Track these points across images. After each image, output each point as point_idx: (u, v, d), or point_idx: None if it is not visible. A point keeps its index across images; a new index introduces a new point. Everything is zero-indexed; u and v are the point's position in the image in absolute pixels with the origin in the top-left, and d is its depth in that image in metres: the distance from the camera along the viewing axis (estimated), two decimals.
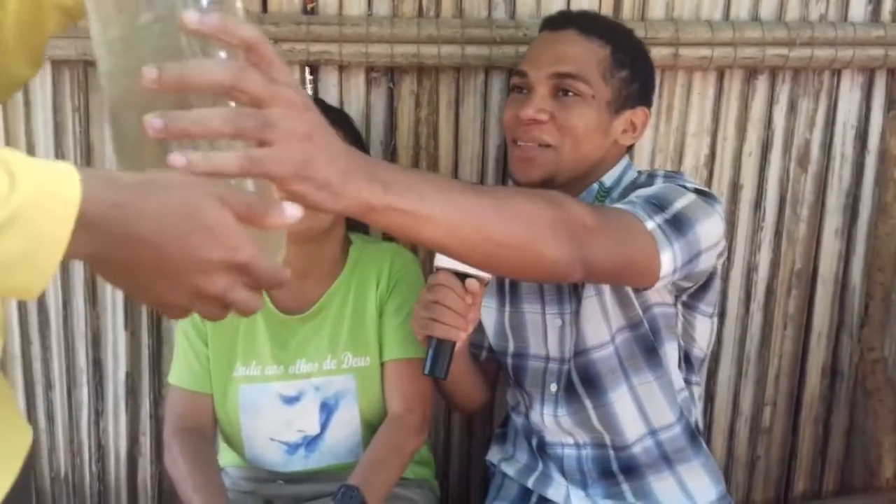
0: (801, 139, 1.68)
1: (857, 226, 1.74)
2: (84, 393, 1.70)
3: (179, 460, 1.34)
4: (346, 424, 1.38)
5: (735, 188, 1.68)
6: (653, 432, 1.28)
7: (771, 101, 1.65)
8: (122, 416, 1.71)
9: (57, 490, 1.76)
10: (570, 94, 1.20)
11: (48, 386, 1.70)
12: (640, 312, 1.23)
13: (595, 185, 1.25)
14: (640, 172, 1.28)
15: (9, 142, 1.57)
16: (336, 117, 1.38)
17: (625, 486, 1.30)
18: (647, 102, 1.28)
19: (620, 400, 1.26)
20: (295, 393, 1.38)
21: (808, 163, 1.69)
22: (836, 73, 1.66)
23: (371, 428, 1.37)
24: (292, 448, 1.39)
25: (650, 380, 1.26)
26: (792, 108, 1.66)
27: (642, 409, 1.27)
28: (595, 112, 1.20)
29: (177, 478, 1.33)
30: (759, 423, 1.80)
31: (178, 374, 1.43)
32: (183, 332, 1.43)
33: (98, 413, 1.72)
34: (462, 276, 1.09)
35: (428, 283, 1.13)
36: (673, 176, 1.19)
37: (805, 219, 1.72)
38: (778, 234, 1.71)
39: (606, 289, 1.21)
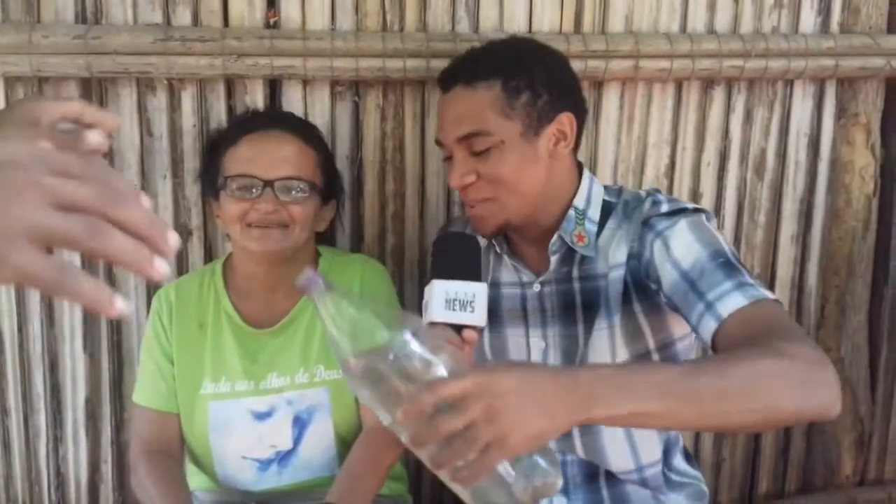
0: (756, 148, 1.72)
1: (812, 231, 1.79)
2: (42, 419, 1.65)
3: (147, 482, 1.31)
4: (320, 438, 1.36)
5: (695, 197, 1.71)
6: (640, 468, 1.29)
7: (728, 111, 1.70)
8: (83, 442, 1.66)
9: None
10: (481, 151, 1.19)
11: (3, 412, 1.64)
12: (653, 349, 1.23)
13: (571, 212, 1.25)
14: (609, 188, 1.29)
15: None
16: (305, 131, 1.38)
17: (605, 493, 1.31)
18: (567, 106, 1.22)
19: (610, 431, 1.27)
20: (266, 408, 1.36)
21: (763, 171, 1.74)
22: (789, 84, 1.71)
23: (345, 442, 1.36)
24: (264, 464, 1.37)
25: None
26: (748, 117, 1.70)
27: (633, 443, 1.28)
28: (513, 151, 1.19)
29: (145, 501, 1.30)
30: None
31: (143, 393, 1.40)
32: (147, 351, 1.40)
33: (57, 440, 1.66)
34: (458, 328, 1.02)
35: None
36: (682, 207, 1.19)
37: (762, 225, 1.76)
38: (737, 240, 1.75)
39: (617, 321, 1.22)
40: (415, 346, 0.83)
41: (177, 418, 1.39)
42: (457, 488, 0.86)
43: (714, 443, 1.84)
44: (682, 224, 1.16)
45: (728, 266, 1.10)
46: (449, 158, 1.26)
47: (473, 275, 1.04)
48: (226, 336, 1.38)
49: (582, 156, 1.49)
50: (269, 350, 1.37)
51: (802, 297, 1.82)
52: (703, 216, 1.19)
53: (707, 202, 1.72)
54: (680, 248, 1.14)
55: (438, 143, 1.27)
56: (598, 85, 1.63)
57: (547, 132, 1.21)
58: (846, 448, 1.90)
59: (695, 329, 1.10)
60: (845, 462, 1.90)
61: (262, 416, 1.36)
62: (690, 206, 1.20)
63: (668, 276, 1.14)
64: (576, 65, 1.35)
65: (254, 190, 1.29)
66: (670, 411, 0.85)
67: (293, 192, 1.30)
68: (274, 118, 1.39)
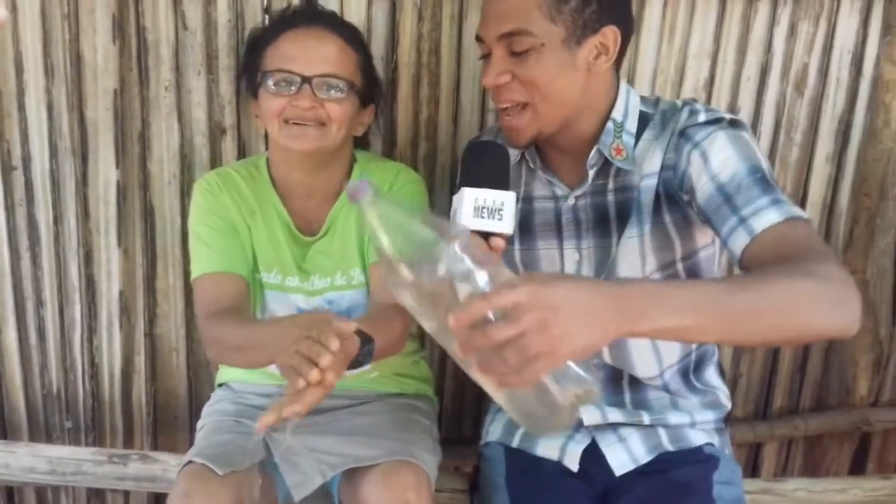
0: (798, 63, 1.69)
1: (848, 151, 1.77)
2: (76, 310, 1.68)
3: (227, 326, 1.26)
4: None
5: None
6: (662, 373, 1.32)
7: (772, 24, 1.65)
8: (116, 334, 1.70)
9: (49, 406, 1.75)
10: (521, 51, 1.17)
11: (39, 303, 1.68)
12: (679, 258, 1.24)
13: (609, 125, 1.23)
14: (646, 99, 1.27)
15: None
16: (347, 31, 1.35)
17: (626, 396, 1.34)
18: (614, 20, 1.18)
19: (637, 342, 1.29)
20: (310, 308, 1.39)
21: (804, 87, 1.71)
22: None
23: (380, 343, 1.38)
24: None
25: None
26: (792, 31, 1.66)
27: (658, 351, 1.31)
28: (551, 56, 1.16)
29: (231, 340, 1.25)
30: None
31: (205, 262, 1.35)
32: (202, 224, 1.37)
33: (91, 331, 1.70)
34: (485, 235, 1.03)
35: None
36: (720, 117, 1.18)
37: (798, 143, 1.74)
38: (772, 157, 1.73)
39: (647, 230, 1.22)
40: (464, 256, 0.84)
41: (244, 281, 1.35)
42: (492, 391, 0.89)
43: (733, 358, 1.87)
44: (722, 136, 1.15)
45: (764, 182, 1.10)
46: (486, 56, 1.23)
47: (502, 183, 1.05)
48: (278, 231, 1.39)
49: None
50: (312, 255, 1.40)
51: (832, 218, 1.81)
52: (742, 127, 1.18)
53: (745, 117, 1.69)
54: (718, 161, 1.13)
55: (479, 38, 1.24)
56: None
57: (589, 43, 1.18)
58: (862, 369, 1.92)
59: (724, 241, 1.11)
60: (861, 382, 1.93)
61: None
62: (728, 116, 1.19)
63: (703, 189, 1.14)
64: None
65: (292, 86, 1.28)
66: (709, 327, 0.89)
67: (332, 91, 1.29)
68: (315, 15, 1.37)
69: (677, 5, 1.61)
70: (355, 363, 1.12)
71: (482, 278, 0.84)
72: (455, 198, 1.05)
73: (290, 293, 1.39)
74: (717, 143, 1.15)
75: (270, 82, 1.29)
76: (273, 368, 1.12)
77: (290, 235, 1.40)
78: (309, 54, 1.29)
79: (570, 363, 0.85)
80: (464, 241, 0.85)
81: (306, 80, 1.27)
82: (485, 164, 1.07)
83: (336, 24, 1.35)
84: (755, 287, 0.93)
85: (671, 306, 0.87)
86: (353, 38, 1.35)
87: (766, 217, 1.06)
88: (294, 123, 1.29)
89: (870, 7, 1.69)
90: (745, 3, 1.63)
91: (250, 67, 1.36)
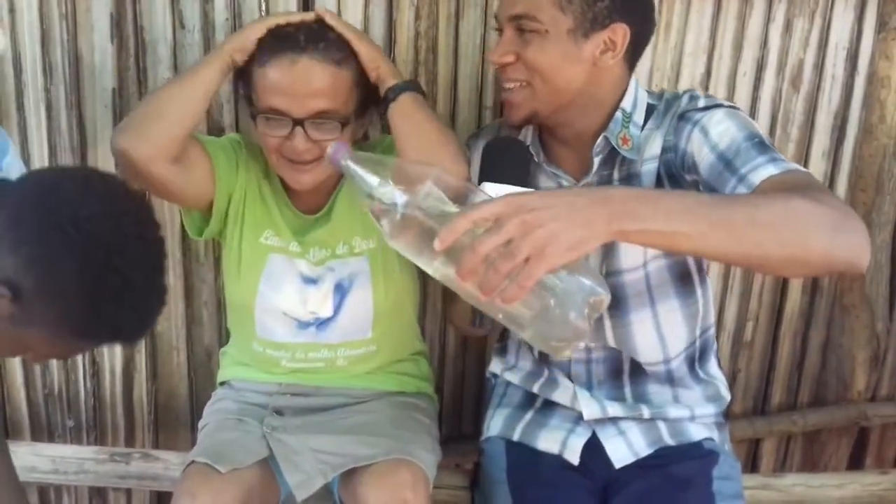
0: (794, 59, 1.70)
1: (844, 147, 1.78)
2: None
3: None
4: (359, 305, 1.40)
5: None
6: (667, 360, 1.33)
7: (767, 21, 1.66)
8: None
9: (51, 406, 1.76)
10: (527, 32, 1.19)
11: None
12: None
13: (618, 114, 1.24)
14: (651, 92, 1.29)
15: None
16: (337, 52, 1.28)
17: (627, 390, 1.35)
18: (626, 17, 1.19)
19: (641, 323, 1.30)
20: (314, 276, 1.40)
21: (800, 83, 1.71)
22: None
23: (381, 311, 1.41)
24: (303, 325, 1.41)
25: (675, 308, 1.30)
26: (787, 27, 1.67)
27: (662, 335, 1.31)
28: (555, 44, 1.17)
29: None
30: (741, 337, 1.86)
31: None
32: (213, 140, 1.43)
33: None
34: None
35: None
36: (719, 103, 1.20)
37: (794, 139, 1.75)
38: None
39: None
40: (445, 187, 0.88)
41: (201, 146, 1.36)
42: (518, 329, 0.91)
43: (731, 354, 1.88)
44: (720, 112, 1.18)
45: (762, 145, 1.11)
46: (499, 31, 1.25)
47: (522, 180, 1.07)
48: (277, 216, 1.41)
49: None
50: (314, 230, 1.41)
51: None
52: (740, 111, 1.20)
53: None
54: (717, 132, 1.15)
55: (495, 17, 1.26)
56: None
57: (596, 38, 1.19)
58: (860, 364, 1.93)
59: None
60: (858, 377, 1.94)
61: (309, 281, 1.40)
62: (726, 102, 1.21)
63: (705, 160, 1.15)
64: None
65: (285, 129, 1.27)
66: (702, 233, 0.87)
67: (325, 130, 1.27)
68: (306, 38, 1.26)
69: (673, 2, 1.61)
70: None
71: (461, 204, 0.89)
72: (485, 190, 1.06)
73: (295, 258, 1.40)
74: (716, 117, 1.17)
75: (263, 121, 1.29)
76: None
77: (290, 214, 1.42)
78: (299, 89, 1.25)
79: (577, 275, 0.87)
80: (438, 175, 0.89)
81: (298, 122, 1.26)
82: (506, 161, 1.10)
83: (325, 49, 1.26)
84: (752, 200, 0.94)
85: (664, 209, 0.86)
86: (344, 56, 1.28)
87: (764, 171, 1.07)
88: (290, 160, 1.30)
89: (864, 3, 1.70)
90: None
91: (243, 83, 1.34)
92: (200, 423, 1.45)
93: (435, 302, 1.74)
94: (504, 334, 1.52)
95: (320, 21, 1.30)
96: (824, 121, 1.75)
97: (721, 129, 1.15)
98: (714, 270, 1.79)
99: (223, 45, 1.30)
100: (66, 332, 0.92)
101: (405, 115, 1.29)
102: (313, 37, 1.27)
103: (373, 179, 0.90)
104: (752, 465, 1.98)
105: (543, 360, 1.40)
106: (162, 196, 1.40)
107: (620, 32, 1.19)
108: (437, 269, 0.90)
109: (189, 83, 1.28)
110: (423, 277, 1.48)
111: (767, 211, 0.91)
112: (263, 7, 1.53)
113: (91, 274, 0.89)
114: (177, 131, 1.26)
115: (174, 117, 1.25)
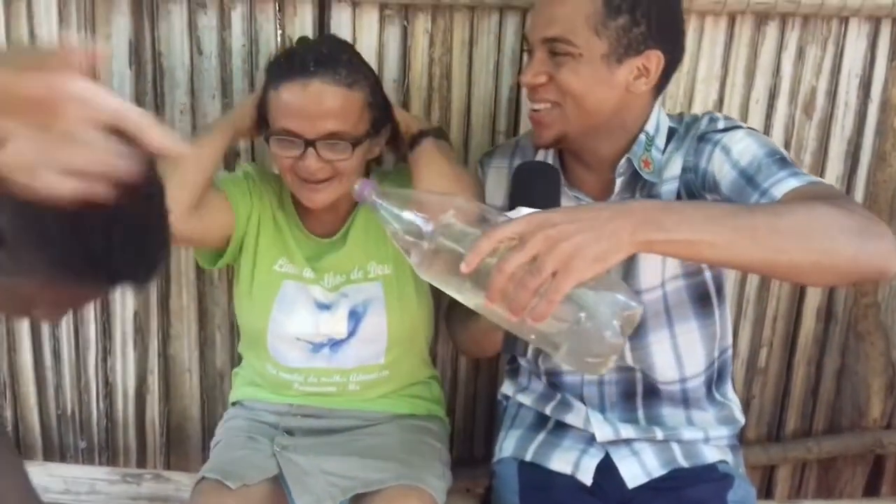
0: (807, 87, 1.70)
1: (857, 174, 1.77)
2: (91, 331, 1.71)
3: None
4: (373, 330, 1.40)
5: None
6: (683, 380, 1.33)
7: (780, 48, 1.67)
8: (131, 354, 1.72)
9: (63, 427, 1.77)
10: (560, 55, 1.19)
11: (54, 324, 1.70)
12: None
13: (642, 136, 1.25)
14: (672, 116, 1.30)
15: (10, 34, 1.54)
16: (349, 75, 1.29)
17: (640, 412, 1.35)
18: (660, 44, 1.19)
19: (659, 344, 1.30)
20: (328, 302, 1.41)
21: (812, 110, 1.72)
22: (844, 22, 1.68)
23: (394, 337, 1.41)
24: (317, 348, 1.42)
25: (693, 329, 1.30)
26: (800, 55, 1.68)
27: (679, 355, 1.31)
28: (588, 68, 1.18)
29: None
30: (755, 363, 1.85)
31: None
32: (228, 176, 1.47)
33: (106, 351, 1.72)
34: None
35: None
36: (738, 124, 1.22)
37: (808, 165, 1.74)
38: None
39: None
40: (468, 213, 0.91)
41: (223, 195, 1.39)
42: (553, 350, 0.91)
43: (745, 380, 1.86)
44: (740, 132, 1.19)
45: (784, 161, 1.12)
46: (528, 52, 1.26)
47: (555, 203, 1.08)
48: (290, 240, 1.42)
49: None
50: (329, 255, 1.42)
51: None
52: (758, 132, 1.22)
53: None
54: (738, 150, 1.16)
55: (525, 38, 1.27)
56: None
57: (630, 63, 1.19)
58: (875, 391, 1.91)
59: None
60: (874, 405, 1.92)
61: (322, 307, 1.41)
62: (745, 124, 1.23)
63: (726, 177, 1.16)
64: None
65: (297, 149, 1.28)
66: (726, 242, 0.87)
67: (337, 151, 1.28)
68: (317, 62, 1.28)
69: (686, 30, 1.62)
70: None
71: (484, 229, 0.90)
72: (511, 215, 1.07)
73: (309, 284, 1.40)
74: (737, 136, 1.19)
75: (276, 142, 1.30)
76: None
77: (302, 238, 1.43)
78: (310, 111, 1.26)
79: (608, 290, 0.88)
80: (460, 203, 0.92)
81: (310, 143, 1.27)
82: (539, 184, 1.10)
83: (337, 72, 1.28)
84: (776, 208, 0.94)
85: (688, 219, 0.87)
86: (356, 78, 1.30)
87: (787, 184, 1.07)
88: (304, 179, 1.31)
89: (877, 31, 1.70)
90: (753, 27, 1.65)
91: (259, 108, 1.36)
92: (212, 442, 1.46)
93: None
94: (516, 357, 1.51)
95: (332, 44, 1.34)
96: (837, 148, 1.75)
97: (742, 147, 1.16)
98: (728, 297, 1.78)
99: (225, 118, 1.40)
100: (60, 276, 0.81)
101: (430, 159, 1.34)
102: (324, 60, 1.28)
103: (399, 213, 0.92)
104: (766, 492, 1.96)
105: (554, 382, 1.40)
106: (189, 244, 1.46)
107: (654, 59, 1.20)
108: (467, 296, 0.91)
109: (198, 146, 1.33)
110: (437, 303, 1.49)
111: (791, 218, 0.91)
112: (279, 34, 1.55)
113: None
114: (190, 186, 1.29)
115: (188, 177, 1.29)
